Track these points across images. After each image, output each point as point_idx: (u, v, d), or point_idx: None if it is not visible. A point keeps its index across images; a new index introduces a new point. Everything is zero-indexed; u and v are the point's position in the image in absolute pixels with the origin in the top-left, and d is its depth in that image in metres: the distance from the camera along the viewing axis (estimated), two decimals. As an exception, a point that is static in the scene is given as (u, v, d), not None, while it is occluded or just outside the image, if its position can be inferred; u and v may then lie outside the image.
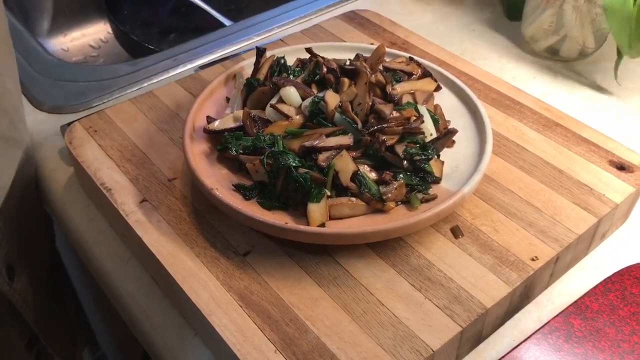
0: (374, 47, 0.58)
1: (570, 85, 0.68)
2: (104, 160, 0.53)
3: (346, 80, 0.52)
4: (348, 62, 0.56)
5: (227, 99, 0.57)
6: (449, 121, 0.54)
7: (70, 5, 1.10)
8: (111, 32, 1.06)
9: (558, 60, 0.72)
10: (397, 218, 0.45)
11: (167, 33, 1.05)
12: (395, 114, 0.50)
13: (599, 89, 0.68)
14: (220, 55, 0.73)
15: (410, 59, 0.59)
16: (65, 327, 0.75)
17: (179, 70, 0.72)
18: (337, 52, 0.61)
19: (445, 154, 0.51)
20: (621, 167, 0.52)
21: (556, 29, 0.69)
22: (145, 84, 0.70)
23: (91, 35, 1.12)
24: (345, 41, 0.68)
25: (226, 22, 0.98)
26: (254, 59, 0.58)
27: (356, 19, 0.72)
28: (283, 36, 0.70)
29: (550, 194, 0.50)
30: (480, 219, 0.48)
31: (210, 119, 0.53)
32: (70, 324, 0.77)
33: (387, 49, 0.60)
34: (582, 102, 0.66)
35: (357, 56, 0.58)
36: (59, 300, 0.74)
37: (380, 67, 0.57)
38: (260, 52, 0.56)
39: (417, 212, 0.46)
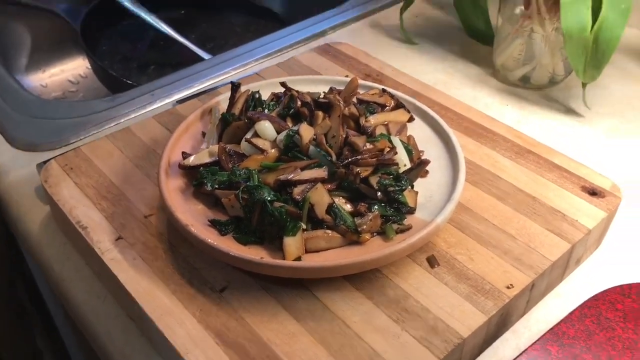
0: (348, 79, 0.59)
1: (541, 112, 0.70)
2: (80, 198, 0.53)
3: (320, 114, 0.53)
4: (322, 95, 0.57)
5: (203, 134, 0.57)
6: (422, 151, 0.55)
7: (48, 41, 1.10)
8: (90, 67, 1.07)
9: (529, 87, 0.73)
10: (372, 250, 0.45)
11: (146, 67, 1.06)
12: (368, 145, 0.50)
13: (571, 114, 0.69)
14: (197, 90, 0.74)
15: (383, 90, 0.60)
16: (26, 344, 0.74)
17: (156, 105, 0.72)
18: (312, 85, 0.62)
19: (420, 183, 0.51)
20: (593, 192, 0.53)
21: (526, 57, 0.70)
22: (123, 120, 0.70)
23: (70, 70, 1.12)
24: (320, 74, 0.69)
25: (205, 55, 0.99)
26: (229, 94, 0.58)
27: (331, 52, 0.73)
28: (259, 69, 0.71)
29: (524, 221, 0.50)
30: (455, 247, 0.48)
31: (185, 155, 0.53)
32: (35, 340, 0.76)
33: (361, 81, 0.61)
34: (553, 128, 0.67)
35: (331, 89, 0.58)
36: (20, 315, 0.73)
37: (354, 100, 0.57)
38: (235, 87, 0.57)
39: (393, 243, 0.46)
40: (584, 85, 0.66)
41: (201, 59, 0.97)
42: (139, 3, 1.06)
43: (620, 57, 0.78)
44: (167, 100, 0.73)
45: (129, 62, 1.06)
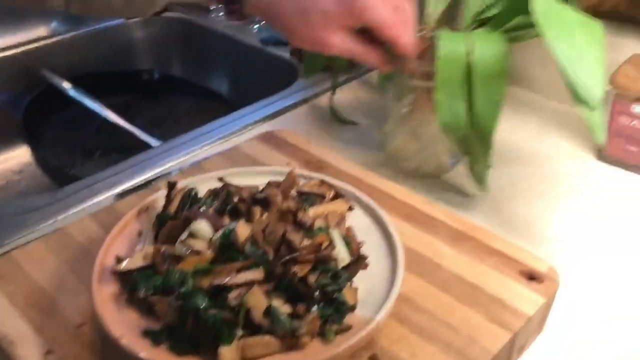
0: (289, 169, 0.59)
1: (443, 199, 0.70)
2: (8, 309, 0.51)
3: (257, 210, 0.53)
4: (261, 188, 0.57)
5: (140, 234, 0.56)
6: (362, 242, 0.54)
7: (-10, 131, 1.09)
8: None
9: (424, 175, 0.73)
10: (312, 354, 0.44)
11: (91, 154, 1.05)
12: (306, 241, 0.50)
13: (466, 196, 0.70)
14: (138, 182, 0.73)
15: (322, 181, 0.60)
16: None
17: (96, 199, 0.71)
18: (253, 177, 0.62)
19: (360, 276, 0.51)
20: (531, 277, 0.53)
21: (418, 147, 0.71)
22: (60, 217, 0.68)
23: (14, 159, 1.10)
24: (262, 163, 0.69)
25: (151, 141, 0.98)
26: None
27: (273, 140, 0.73)
28: (202, 158, 0.71)
29: (466, 311, 0.50)
30: (398, 343, 0.47)
31: (119, 259, 0.51)
32: None
33: (300, 171, 0.61)
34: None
35: (269, 183, 0.58)
36: None
37: (293, 192, 0.57)
38: (170, 185, 0.56)
39: (332, 345, 0.45)
40: (483, 169, 0.66)
41: (148, 145, 0.97)
42: (82, 90, 1.06)
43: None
44: (108, 194, 0.72)
45: (73, 150, 1.05)
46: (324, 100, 0.91)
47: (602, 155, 0.74)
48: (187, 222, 0.52)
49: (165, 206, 0.56)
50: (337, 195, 0.59)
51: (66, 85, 1.07)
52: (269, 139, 0.74)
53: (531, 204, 0.68)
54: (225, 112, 0.89)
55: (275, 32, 1.01)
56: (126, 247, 0.54)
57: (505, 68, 0.56)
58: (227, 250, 0.50)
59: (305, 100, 0.91)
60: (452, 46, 0.57)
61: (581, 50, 0.49)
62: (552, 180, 0.72)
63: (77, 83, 1.07)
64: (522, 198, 0.69)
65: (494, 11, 0.64)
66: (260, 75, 1.09)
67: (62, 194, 0.72)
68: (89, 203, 0.70)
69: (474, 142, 0.60)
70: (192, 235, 0.51)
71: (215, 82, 1.16)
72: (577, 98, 0.49)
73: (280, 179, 0.60)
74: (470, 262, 0.55)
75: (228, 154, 0.71)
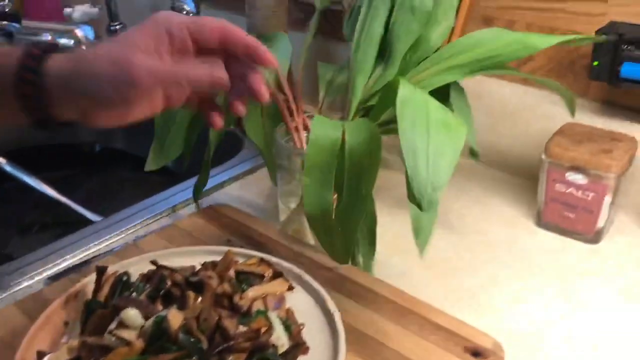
0: (226, 248, 0.57)
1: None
2: None
3: (192, 294, 0.50)
4: (197, 268, 0.54)
5: (67, 324, 0.53)
6: (302, 324, 0.53)
7: None
8: (-36, 235, 1.00)
9: None
10: None
11: (27, 231, 1.01)
12: (242, 328, 0.48)
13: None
14: (70, 264, 0.70)
15: (262, 259, 0.59)
16: None
17: (24, 284, 0.67)
18: (190, 257, 0.60)
19: (301, 361, 0.49)
20: (476, 353, 0.52)
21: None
22: (-17, 305, 0.64)
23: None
24: (202, 240, 0.67)
25: (90, 215, 0.96)
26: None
27: (213, 215, 0.72)
28: (138, 236, 0.68)
29: (410, 393, 0.48)
30: None
31: (40, 354, 0.48)
32: None
33: (239, 249, 0.60)
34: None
35: (205, 265, 0.56)
36: None
37: (231, 272, 0.56)
38: (100, 271, 0.54)
39: None
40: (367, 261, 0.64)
41: (87, 220, 0.94)
42: (18, 165, 1.03)
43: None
44: (38, 277, 0.68)
45: (9, 227, 1.00)
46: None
47: (541, 221, 0.75)
48: (117, 310, 0.50)
49: (95, 293, 0.53)
50: (277, 275, 0.57)
51: (1, 159, 1.03)
52: (210, 214, 0.72)
53: (475, 274, 0.68)
54: (169, 184, 0.87)
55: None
56: (51, 339, 0.51)
57: (375, 159, 0.52)
58: (158, 340, 0.47)
59: (249, 172, 0.91)
60: (323, 131, 0.54)
61: (431, 150, 0.46)
62: (495, 248, 0.72)
63: (12, 157, 1.03)
64: (466, 268, 0.69)
65: (375, 101, 0.62)
66: (204, 146, 1.07)
67: (-15, 279, 0.68)
68: (16, 289, 0.66)
69: (339, 234, 0.56)
70: (122, 324, 0.49)
71: (159, 153, 1.15)
72: (410, 195, 0.46)
73: (218, 258, 0.58)
74: (415, 340, 0.54)
75: (167, 232, 0.69)
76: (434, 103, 0.49)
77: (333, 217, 0.55)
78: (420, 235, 0.48)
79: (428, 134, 0.46)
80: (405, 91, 0.49)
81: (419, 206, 0.45)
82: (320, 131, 0.55)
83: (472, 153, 0.64)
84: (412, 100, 0.48)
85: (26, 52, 0.47)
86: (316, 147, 0.54)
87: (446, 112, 0.49)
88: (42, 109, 0.48)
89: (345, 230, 0.56)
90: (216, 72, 0.48)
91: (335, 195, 0.54)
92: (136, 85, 0.46)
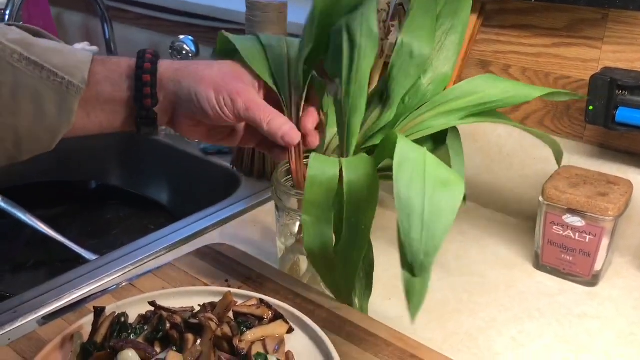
0: (225, 289, 0.57)
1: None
2: None
3: (190, 337, 0.50)
4: (196, 309, 0.54)
5: (62, 366, 0.52)
6: (302, 368, 0.52)
7: None
8: (-45, 272, 0.99)
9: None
10: None
11: (20, 269, 1.00)
12: (242, 372, 0.47)
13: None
14: (64, 303, 0.69)
15: (261, 301, 0.58)
16: None
17: (17, 324, 0.66)
18: (188, 298, 0.59)
19: (300, 407, 0.48)
20: (478, 399, 0.51)
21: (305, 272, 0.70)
22: (-24, 345, 0.63)
23: None
24: (200, 280, 0.66)
25: (85, 254, 0.95)
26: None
27: (210, 255, 0.71)
28: (134, 276, 0.68)
29: None
30: None
31: (35, 399, 0.47)
32: None
33: (238, 290, 0.59)
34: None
35: (204, 306, 0.56)
36: None
37: (230, 314, 0.55)
38: (98, 312, 0.53)
39: None
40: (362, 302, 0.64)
41: (82, 258, 0.93)
42: (11, 202, 1.02)
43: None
44: (32, 317, 0.67)
45: (1, 265, 0.99)
46: (266, 209, 0.90)
47: (539, 263, 0.75)
48: (114, 352, 0.49)
49: (92, 334, 0.52)
50: (276, 316, 0.56)
51: (-5, 196, 1.03)
52: (207, 253, 0.72)
53: (474, 316, 0.68)
54: (166, 222, 0.87)
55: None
56: (46, 382, 0.50)
57: (374, 195, 0.53)
58: (156, 384, 0.46)
59: (246, 210, 0.91)
60: (321, 168, 0.55)
61: (426, 212, 0.45)
62: (493, 290, 0.72)
63: (6, 194, 1.03)
64: (465, 310, 0.69)
65: (376, 141, 0.63)
66: (201, 184, 1.08)
67: (-20, 318, 0.67)
68: (10, 329, 0.65)
69: (340, 270, 0.57)
70: (119, 367, 0.48)
71: (155, 191, 1.15)
72: (403, 260, 0.45)
73: (217, 299, 0.57)
74: (415, 384, 0.53)
75: (164, 271, 0.69)
76: (432, 160, 0.49)
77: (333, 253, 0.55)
78: (413, 299, 0.46)
79: (424, 195, 0.45)
80: (402, 149, 0.48)
81: (411, 272, 0.45)
82: (318, 168, 0.55)
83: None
84: (409, 160, 0.48)
85: (140, 56, 0.56)
86: (314, 184, 0.55)
87: (444, 169, 0.49)
88: (153, 105, 0.56)
89: (347, 266, 0.56)
90: (291, 131, 0.57)
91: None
92: (234, 105, 0.55)
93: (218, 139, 0.63)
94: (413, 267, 0.44)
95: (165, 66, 0.57)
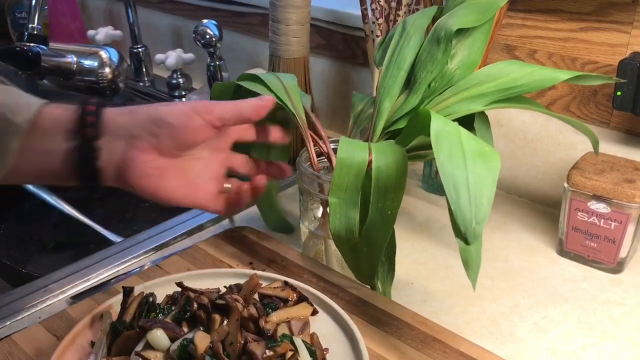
0: (251, 272, 0.58)
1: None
2: None
3: (217, 318, 0.51)
4: (223, 291, 0.55)
5: (93, 344, 0.53)
6: (326, 349, 0.53)
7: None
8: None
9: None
10: None
11: (47, 251, 1.01)
12: (268, 352, 0.48)
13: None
14: (94, 282, 0.71)
15: (285, 283, 0.59)
16: None
17: (49, 302, 0.68)
18: (214, 279, 0.60)
19: (325, 387, 0.49)
20: (501, 382, 0.52)
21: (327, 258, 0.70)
22: (8, 322, 0.64)
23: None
24: (225, 262, 0.67)
25: (110, 236, 0.96)
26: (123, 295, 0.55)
27: (235, 237, 0.72)
28: (160, 258, 0.69)
29: (435, 422, 0.48)
30: None
31: (68, 374, 0.48)
32: None
33: (262, 273, 0.60)
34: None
35: (230, 288, 0.57)
36: None
37: (255, 296, 0.56)
38: (127, 292, 0.54)
39: None
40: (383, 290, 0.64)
41: (108, 240, 0.95)
42: (38, 185, 1.04)
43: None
44: (62, 297, 0.69)
45: (28, 245, 1.01)
46: (287, 193, 0.91)
47: (563, 250, 0.74)
48: (143, 331, 0.50)
49: (121, 314, 0.53)
50: (301, 299, 0.57)
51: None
52: (232, 236, 0.73)
53: (497, 302, 0.68)
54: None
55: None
56: (78, 359, 0.51)
57: (402, 180, 0.54)
58: (185, 362, 0.47)
59: (268, 194, 0.91)
60: (349, 151, 0.56)
61: (471, 182, 0.46)
62: (516, 276, 0.72)
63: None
64: (487, 296, 0.69)
65: (400, 125, 0.64)
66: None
67: (11, 296, 0.68)
68: (40, 307, 0.67)
69: (364, 253, 0.58)
70: (148, 345, 0.49)
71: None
72: (456, 229, 0.46)
73: (242, 281, 0.58)
74: (438, 368, 0.53)
75: (189, 253, 0.70)
76: (465, 133, 0.50)
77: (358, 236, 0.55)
78: (471, 267, 0.48)
79: (466, 166, 0.47)
80: (438, 124, 0.49)
81: (465, 240, 0.46)
82: (347, 152, 0.56)
83: None
84: (446, 133, 0.49)
85: (82, 104, 0.53)
86: (343, 168, 0.55)
87: (478, 142, 0.50)
88: (95, 136, 0.52)
89: (371, 250, 0.57)
90: (260, 98, 0.59)
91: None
92: (208, 109, 0.56)
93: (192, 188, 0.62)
94: (466, 236, 0.45)
95: (112, 111, 0.54)
